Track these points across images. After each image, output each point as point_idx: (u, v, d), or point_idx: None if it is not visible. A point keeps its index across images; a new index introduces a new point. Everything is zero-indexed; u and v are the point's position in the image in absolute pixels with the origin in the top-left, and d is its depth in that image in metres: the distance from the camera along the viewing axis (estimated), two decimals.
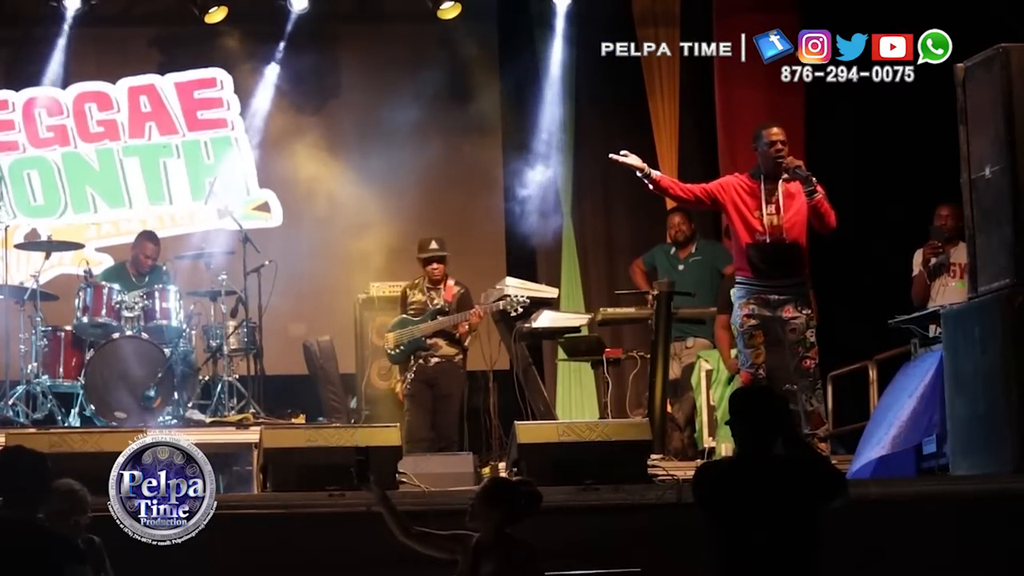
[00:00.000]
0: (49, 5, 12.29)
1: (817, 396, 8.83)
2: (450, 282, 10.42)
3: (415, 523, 6.34)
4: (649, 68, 12.77)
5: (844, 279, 11.26)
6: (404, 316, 10.37)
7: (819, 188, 8.86)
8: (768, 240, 8.80)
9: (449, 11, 12.62)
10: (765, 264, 8.84)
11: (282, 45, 12.47)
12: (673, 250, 11.21)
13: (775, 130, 8.96)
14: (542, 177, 12.68)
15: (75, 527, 6.25)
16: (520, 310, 10.24)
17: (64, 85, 12.58)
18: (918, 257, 9.96)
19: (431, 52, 12.67)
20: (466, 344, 10.37)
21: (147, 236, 11.48)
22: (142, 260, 11.32)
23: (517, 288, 10.51)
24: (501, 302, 10.26)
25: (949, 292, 9.53)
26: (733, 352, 9.92)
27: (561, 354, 11.34)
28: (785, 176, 8.84)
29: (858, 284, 11.43)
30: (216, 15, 12.44)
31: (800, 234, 8.82)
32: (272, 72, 12.52)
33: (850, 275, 11.39)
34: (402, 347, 10.22)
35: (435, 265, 10.38)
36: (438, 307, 10.26)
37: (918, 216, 10.46)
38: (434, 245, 10.39)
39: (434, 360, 10.16)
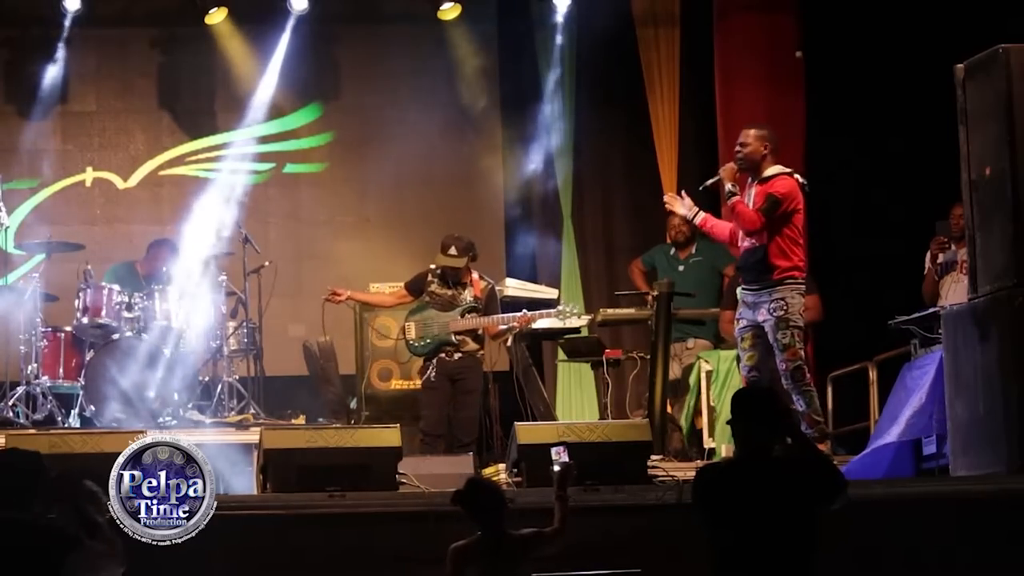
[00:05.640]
0: (49, 5, 12.30)
1: (805, 398, 8.75)
2: (474, 275, 10.07)
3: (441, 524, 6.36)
4: (649, 68, 12.77)
5: (844, 279, 11.27)
6: (428, 305, 9.97)
7: (776, 191, 8.72)
8: (742, 245, 8.82)
9: (449, 11, 12.62)
10: (740, 270, 8.95)
11: (282, 45, 12.46)
12: (673, 250, 11.20)
13: (744, 131, 8.93)
14: (542, 177, 12.69)
15: (96, 526, 6.23)
16: (569, 322, 10.17)
17: (64, 86, 12.60)
18: (929, 255, 9.97)
19: (431, 52, 12.67)
20: (494, 342, 10.21)
21: (169, 246, 11.41)
22: (158, 266, 11.28)
23: (517, 289, 10.49)
24: (555, 310, 10.14)
25: (959, 290, 9.47)
26: None
27: (561, 355, 11.34)
28: (759, 180, 8.80)
29: (858, 284, 11.43)
30: (216, 15, 12.45)
31: (764, 237, 8.72)
32: (272, 72, 12.51)
33: (850, 275, 11.39)
34: (428, 341, 9.93)
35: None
36: (471, 304, 9.96)
37: (918, 216, 10.47)
38: (452, 251, 9.89)
39: (458, 355, 9.90)
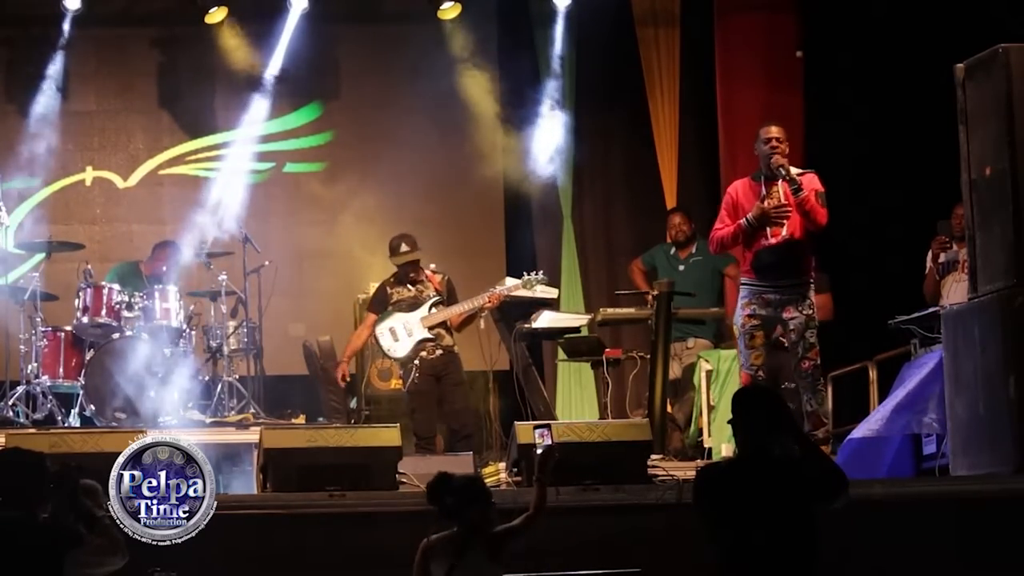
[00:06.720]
0: (49, 5, 12.29)
1: (818, 397, 8.81)
2: (427, 272, 10.20)
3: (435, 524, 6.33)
4: (649, 68, 12.77)
5: (844, 279, 11.26)
6: (393, 311, 10.08)
7: (819, 187, 8.85)
8: (768, 242, 8.79)
9: (449, 11, 12.61)
10: (766, 266, 8.85)
11: (282, 45, 12.45)
12: (673, 250, 11.20)
13: (772, 128, 8.96)
14: (542, 177, 12.69)
15: (94, 519, 6.24)
16: (538, 288, 10.17)
17: (64, 86, 12.60)
18: (930, 254, 9.96)
19: (431, 52, 12.66)
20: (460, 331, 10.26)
21: (174, 247, 11.41)
22: (160, 267, 11.28)
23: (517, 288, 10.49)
24: (520, 280, 10.16)
25: (961, 289, 9.46)
26: None
27: (561, 354, 11.34)
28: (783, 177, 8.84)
29: (858, 284, 11.43)
30: (216, 15, 12.44)
31: (802, 234, 8.79)
32: (272, 72, 12.50)
33: (850, 275, 11.38)
34: (404, 342, 9.95)
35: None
36: (436, 298, 10.05)
37: (918, 216, 10.46)
38: (405, 248, 10.07)
39: (438, 352, 9.97)
